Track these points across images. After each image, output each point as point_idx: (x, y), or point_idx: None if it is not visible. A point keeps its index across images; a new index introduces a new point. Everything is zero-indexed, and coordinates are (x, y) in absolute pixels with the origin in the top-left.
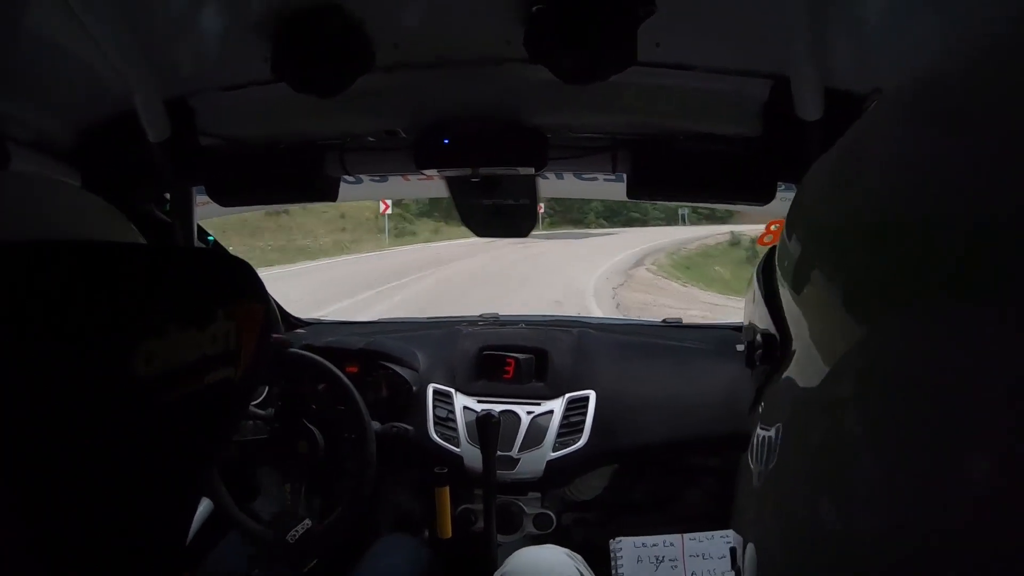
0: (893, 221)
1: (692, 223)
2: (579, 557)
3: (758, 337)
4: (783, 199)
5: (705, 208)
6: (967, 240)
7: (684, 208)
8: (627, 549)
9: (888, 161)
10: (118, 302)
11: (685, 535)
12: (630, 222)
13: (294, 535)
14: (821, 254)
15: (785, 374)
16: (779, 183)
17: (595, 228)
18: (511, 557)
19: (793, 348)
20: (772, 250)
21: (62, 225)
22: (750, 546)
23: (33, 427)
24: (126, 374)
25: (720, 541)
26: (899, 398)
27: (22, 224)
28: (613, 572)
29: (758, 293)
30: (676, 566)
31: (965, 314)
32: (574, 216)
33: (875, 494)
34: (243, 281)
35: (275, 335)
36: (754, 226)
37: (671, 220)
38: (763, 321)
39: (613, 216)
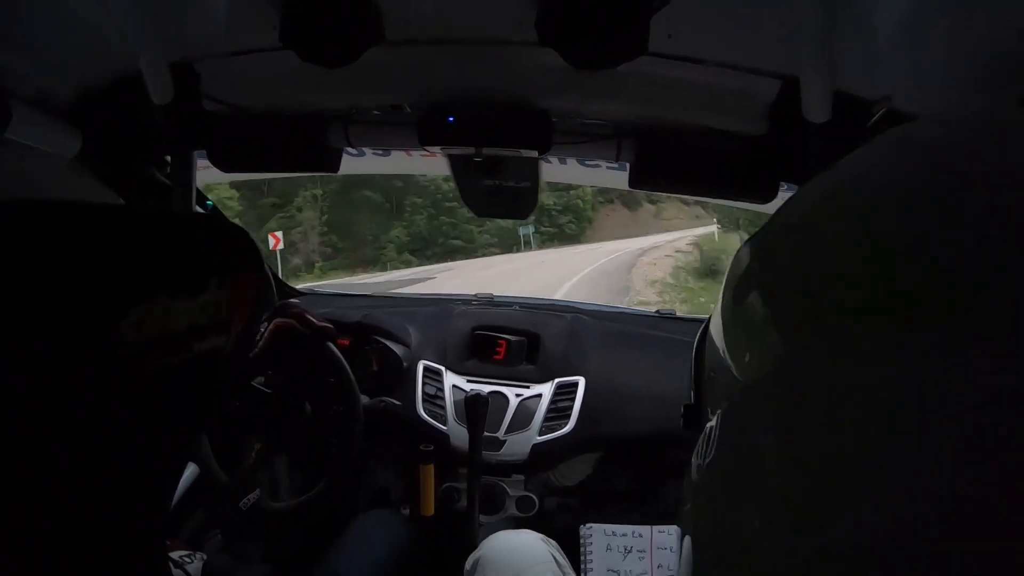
0: (849, 257)
1: (539, 246)
2: (553, 542)
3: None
4: (785, 199)
5: (551, 228)
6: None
7: (528, 227)
8: (597, 536)
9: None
10: (109, 267)
11: (654, 527)
12: (450, 253)
13: (246, 503)
14: (767, 274)
15: (723, 368)
16: (782, 183)
17: (393, 270)
18: (486, 540)
19: (714, 370)
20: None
21: (55, 189)
22: (687, 539)
23: (20, 390)
24: (115, 340)
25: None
26: (813, 413)
27: (14, 188)
28: (582, 557)
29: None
30: (643, 557)
31: (885, 340)
32: (367, 255)
33: (788, 501)
34: (239, 250)
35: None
36: (612, 243)
37: (508, 245)
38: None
39: (424, 248)
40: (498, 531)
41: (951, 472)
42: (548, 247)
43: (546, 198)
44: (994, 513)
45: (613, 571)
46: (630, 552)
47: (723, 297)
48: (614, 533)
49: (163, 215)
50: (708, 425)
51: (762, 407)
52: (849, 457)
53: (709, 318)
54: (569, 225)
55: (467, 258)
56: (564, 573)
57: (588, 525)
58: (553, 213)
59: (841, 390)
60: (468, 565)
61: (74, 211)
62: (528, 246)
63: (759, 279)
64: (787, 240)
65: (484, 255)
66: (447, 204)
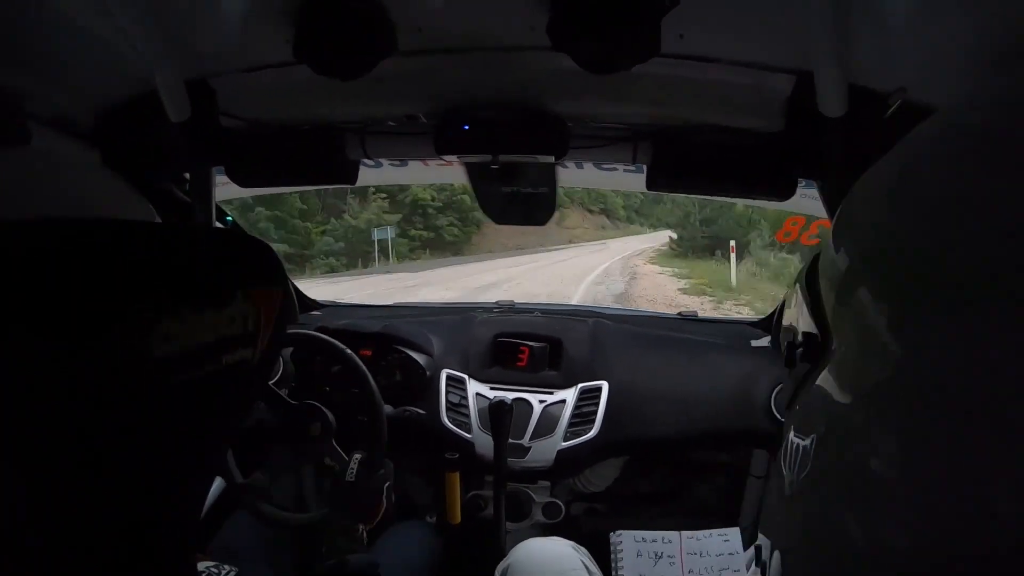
0: (942, 255)
1: (404, 258)
2: (584, 550)
3: (799, 336)
4: (803, 195)
5: (425, 232)
6: (1013, 277)
7: (385, 229)
8: (627, 543)
9: (944, 196)
10: (137, 281)
11: (683, 533)
12: None
13: (351, 473)
14: (869, 274)
15: (821, 383)
16: (800, 179)
17: None
18: (516, 548)
19: (834, 348)
20: (816, 258)
21: (81, 204)
22: (776, 553)
23: (51, 406)
24: (144, 354)
25: (718, 539)
26: (933, 423)
27: (42, 202)
28: (612, 564)
29: (801, 298)
30: (674, 563)
31: (1006, 342)
32: None
33: (902, 516)
34: (263, 263)
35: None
36: (504, 261)
37: (358, 255)
38: (805, 323)
39: None
40: (527, 538)
41: None
42: (416, 259)
43: (422, 191)
44: None
45: None
46: (660, 558)
47: (801, 299)
48: (644, 539)
49: (188, 229)
50: (797, 442)
51: (879, 413)
52: (983, 459)
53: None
54: (450, 229)
55: (297, 273)
56: None
57: (618, 532)
58: (429, 211)
59: (967, 389)
60: (498, 573)
61: (100, 226)
62: (386, 258)
63: (861, 281)
64: (878, 233)
65: (323, 270)
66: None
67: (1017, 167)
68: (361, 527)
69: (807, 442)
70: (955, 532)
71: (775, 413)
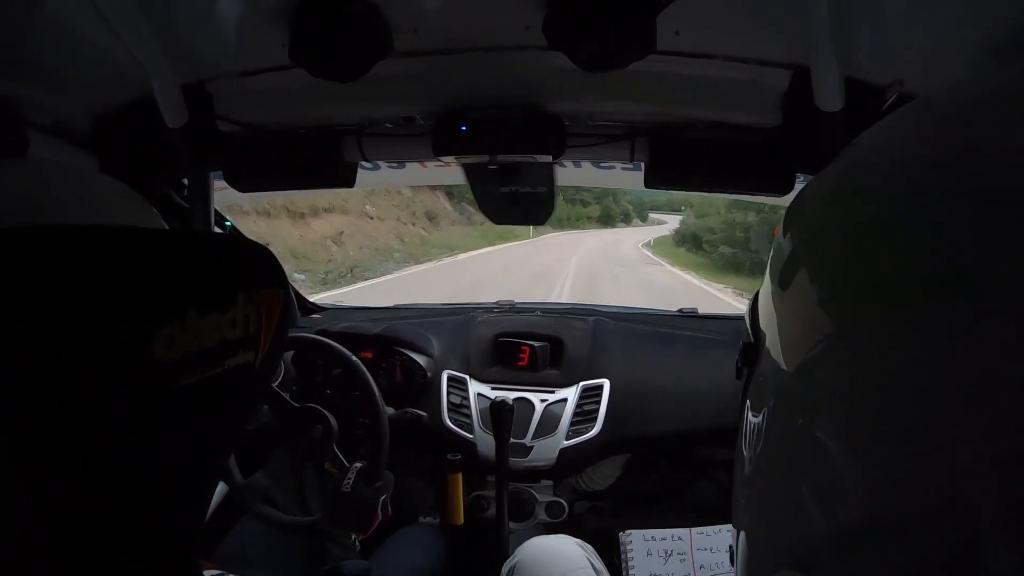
0: (882, 232)
1: None
2: (590, 548)
3: (741, 344)
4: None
5: None
6: (949, 254)
7: None
8: (637, 542)
9: (890, 173)
10: (139, 286)
11: (693, 529)
12: None
13: (347, 484)
14: (808, 256)
15: (769, 358)
16: (798, 174)
17: None
18: (522, 546)
19: (767, 345)
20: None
21: (84, 210)
22: (742, 535)
23: (55, 409)
24: (147, 358)
25: (727, 534)
26: (865, 395)
27: (45, 209)
28: (623, 564)
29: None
30: (685, 559)
31: (935, 323)
32: None
33: (846, 483)
34: (264, 267)
35: None
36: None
37: None
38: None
39: None
40: (533, 537)
41: (997, 450)
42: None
43: None
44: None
45: (655, 575)
46: (671, 556)
47: (768, 282)
48: (653, 538)
49: (188, 234)
50: (753, 421)
51: (810, 387)
52: (894, 432)
53: (757, 293)
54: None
55: None
56: None
57: (627, 532)
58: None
59: (877, 369)
60: (504, 571)
61: (103, 231)
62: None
63: (800, 262)
64: (822, 219)
65: None
66: None
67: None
68: (353, 536)
69: (759, 419)
70: (894, 497)
71: None
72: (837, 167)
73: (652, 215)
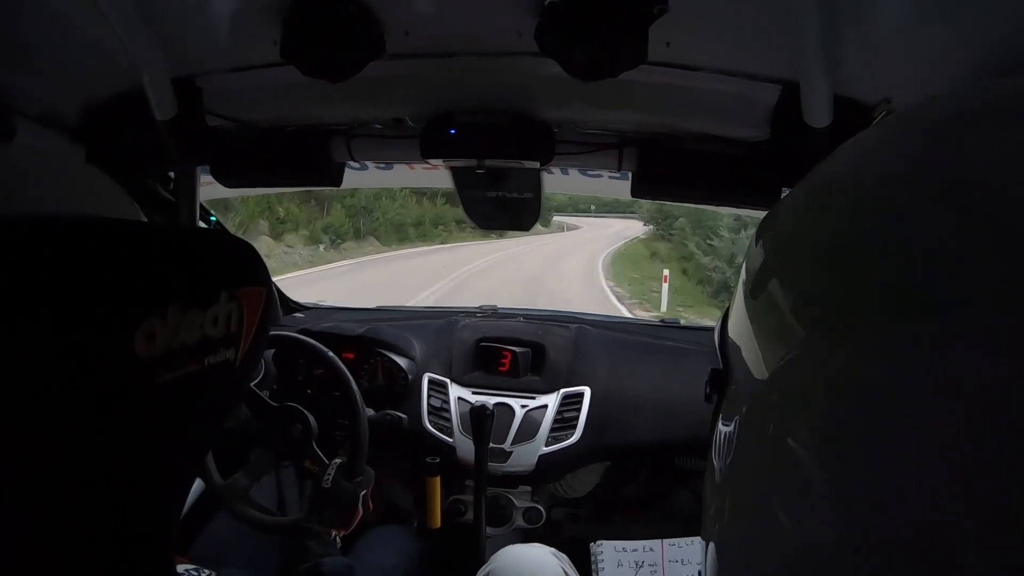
0: (854, 243)
1: None
2: (565, 557)
3: (710, 370)
4: None
5: None
6: (922, 266)
7: None
8: (608, 553)
9: (864, 186)
10: (120, 281)
11: (665, 541)
12: None
13: (327, 480)
14: (781, 266)
15: (741, 367)
16: (784, 188)
17: None
18: (497, 555)
19: (740, 355)
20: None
21: (66, 201)
22: (711, 546)
23: (32, 404)
24: (127, 353)
25: (698, 546)
26: (836, 403)
27: (26, 199)
28: (593, 574)
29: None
30: (656, 571)
31: (905, 334)
32: None
33: (817, 493)
34: (246, 263)
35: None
36: None
37: None
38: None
39: None
40: (508, 544)
41: (962, 460)
42: None
43: None
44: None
45: None
46: (642, 567)
47: (740, 292)
48: (625, 549)
49: (171, 228)
50: (724, 430)
51: (782, 396)
52: (865, 441)
53: (726, 312)
54: None
55: None
56: None
57: (599, 542)
58: None
59: (844, 379)
60: None
61: (84, 224)
62: None
63: (771, 272)
64: (794, 229)
65: None
66: None
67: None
68: (335, 533)
69: (731, 427)
70: (866, 513)
71: None
72: (811, 179)
73: (557, 218)
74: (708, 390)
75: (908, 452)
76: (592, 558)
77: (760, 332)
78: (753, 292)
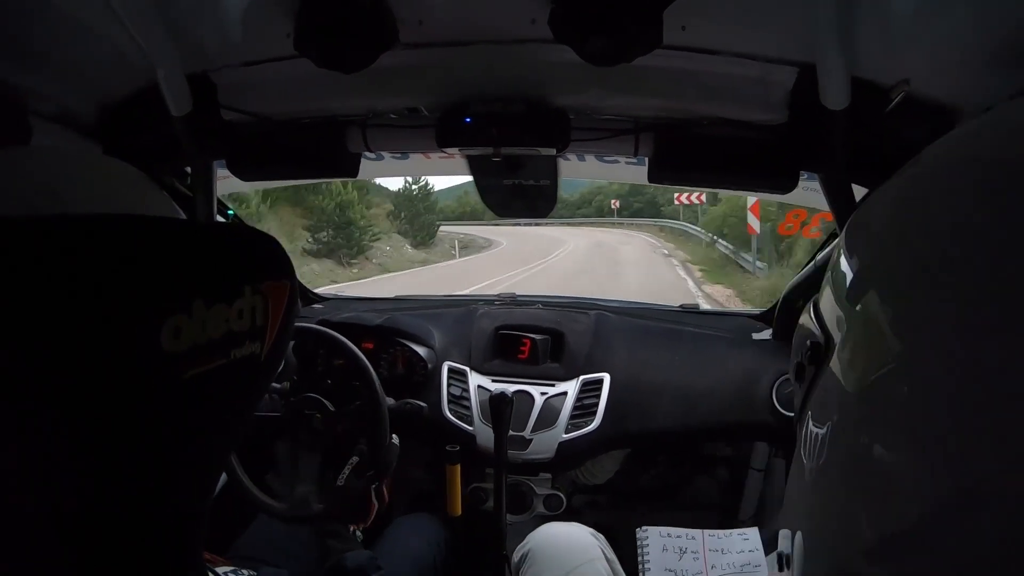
0: (947, 267)
1: None
2: (602, 537)
3: (807, 343)
4: (805, 188)
5: None
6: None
7: None
8: (653, 538)
9: (955, 218)
10: (145, 277)
11: (705, 531)
12: None
13: (342, 478)
14: (878, 278)
15: (833, 375)
16: (802, 172)
17: None
18: (535, 532)
19: (836, 349)
20: (819, 269)
21: (94, 196)
22: (798, 535)
23: (60, 401)
24: (154, 349)
25: (738, 538)
26: (931, 413)
27: (55, 197)
28: (639, 558)
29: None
30: (697, 558)
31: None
32: None
33: (905, 502)
34: (270, 257)
35: None
36: None
37: None
38: (811, 333)
39: None
40: (530, 530)
41: None
42: None
43: None
44: None
45: (670, 571)
46: (685, 553)
47: (831, 295)
48: (669, 535)
49: (194, 224)
50: (815, 431)
51: (882, 404)
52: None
53: (815, 298)
54: None
55: None
56: (614, 569)
57: (644, 528)
58: None
59: (972, 381)
60: (516, 557)
61: (110, 222)
62: None
63: (869, 282)
64: (893, 240)
65: None
66: None
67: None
68: (353, 528)
69: (823, 430)
70: (952, 516)
71: (777, 406)
72: (910, 183)
73: (450, 230)
74: (805, 363)
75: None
76: (638, 542)
77: (855, 340)
78: (850, 299)
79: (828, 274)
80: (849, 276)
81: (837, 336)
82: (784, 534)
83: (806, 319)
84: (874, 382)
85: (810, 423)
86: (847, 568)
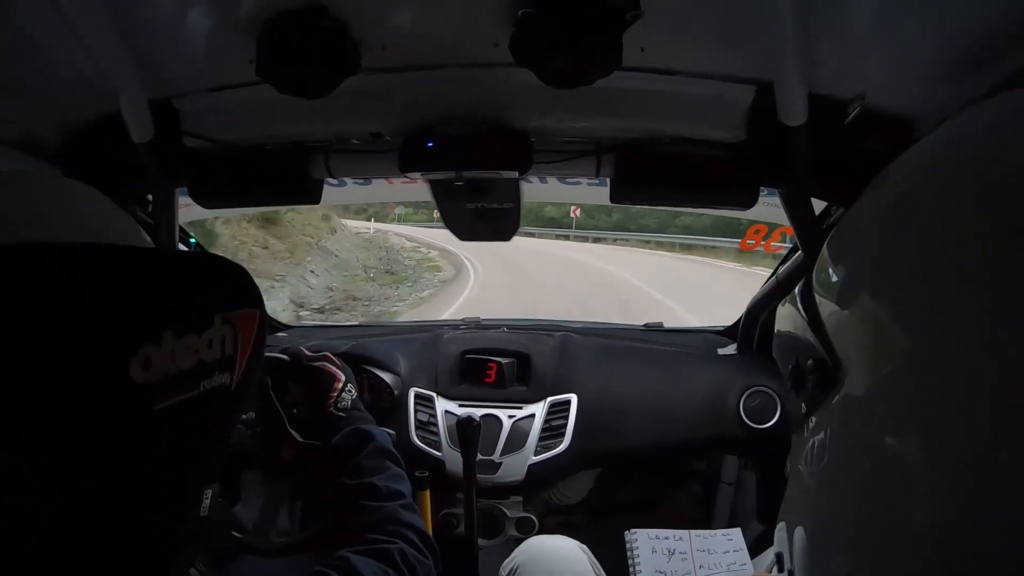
0: (940, 264)
1: None
2: (589, 551)
3: (809, 362)
4: (765, 203)
5: None
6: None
7: None
8: (642, 540)
9: (939, 217)
10: (114, 307)
11: (692, 532)
12: None
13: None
14: (870, 281)
15: (851, 384)
16: (762, 188)
17: None
18: (523, 546)
19: (844, 369)
20: (809, 278)
21: (60, 224)
22: (799, 529)
23: (29, 435)
24: (123, 381)
25: (722, 539)
26: (942, 407)
27: (24, 224)
28: (630, 561)
29: (801, 319)
30: (686, 558)
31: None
32: None
33: (917, 495)
34: (239, 286)
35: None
36: None
37: None
38: (811, 347)
39: None
40: (500, 553)
41: None
42: None
43: None
44: None
45: (660, 572)
46: (673, 554)
47: (799, 308)
48: (657, 537)
49: (163, 253)
50: (815, 439)
51: (886, 401)
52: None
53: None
54: None
55: None
56: None
57: (632, 531)
58: None
59: (980, 379)
60: (503, 572)
61: (79, 250)
62: None
63: (861, 285)
64: (885, 242)
65: None
66: None
67: (998, 192)
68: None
69: (823, 436)
70: (968, 506)
71: (745, 419)
72: (889, 189)
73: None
74: (813, 385)
75: None
76: (627, 545)
77: (853, 343)
78: (841, 304)
79: (816, 287)
80: (836, 284)
81: (846, 346)
82: (781, 536)
83: (796, 330)
84: (878, 382)
85: (807, 433)
86: (860, 562)
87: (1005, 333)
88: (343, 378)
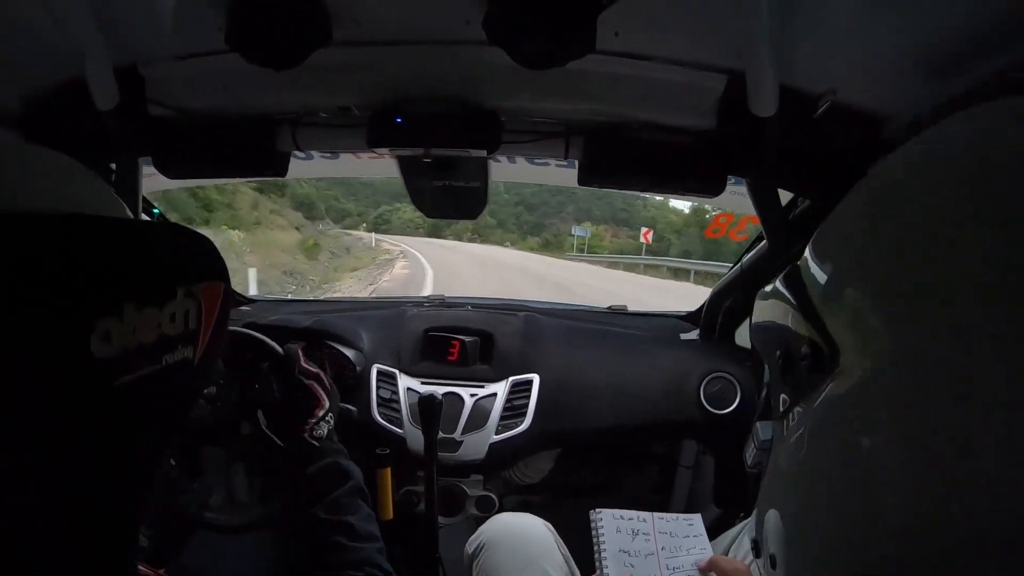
0: (924, 261)
1: None
2: (553, 528)
3: (803, 348)
4: (733, 192)
5: None
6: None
7: None
8: (607, 520)
9: (923, 213)
10: (73, 279)
11: (655, 514)
12: None
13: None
14: (856, 277)
15: (848, 375)
16: (730, 176)
17: None
18: (488, 523)
19: (850, 350)
20: (795, 266)
21: (22, 191)
22: (772, 512)
23: None
24: (83, 356)
25: (684, 523)
26: (921, 403)
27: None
28: (594, 539)
29: (790, 305)
30: (648, 539)
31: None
32: None
33: (893, 487)
34: (203, 258)
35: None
36: None
37: None
38: (804, 332)
39: None
40: (462, 532)
41: None
42: None
43: None
44: None
45: (624, 551)
46: (637, 534)
47: (778, 304)
48: (622, 517)
49: (124, 223)
50: (796, 432)
51: (875, 398)
52: (980, 440)
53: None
54: None
55: None
56: (566, 558)
57: (597, 510)
58: None
59: (966, 375)
60: (469, 549)
61: (35, 220)
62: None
63: (846, 282)
64: (866, 238)
65: None
66: None
67: (983, 194)
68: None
69: (801, 431)
70: (941, 501)
71: (704, 404)
72: (872, 189)
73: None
74: (807, 371)
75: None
76: (592, 524)
77: (843, 336)
78: (825, 301)
79: (804, 279)
80: (820, 280)
81: (845, 336)
82: (753, 524)
83: (783, 323)
84: (860, 376)
85: (787, 427)
86: (840, 550)
87: (997, 331)
88: (326, 406)
